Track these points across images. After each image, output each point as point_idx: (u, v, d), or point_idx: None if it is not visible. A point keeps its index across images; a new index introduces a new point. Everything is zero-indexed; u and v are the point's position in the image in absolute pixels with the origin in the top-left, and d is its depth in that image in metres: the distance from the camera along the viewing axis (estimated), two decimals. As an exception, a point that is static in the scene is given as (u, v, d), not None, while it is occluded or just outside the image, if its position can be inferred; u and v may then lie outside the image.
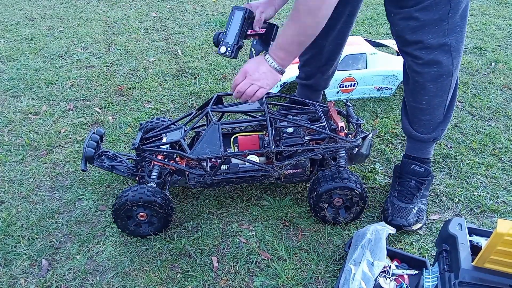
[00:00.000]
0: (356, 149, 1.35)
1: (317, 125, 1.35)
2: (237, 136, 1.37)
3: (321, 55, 1.59)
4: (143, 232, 1.30)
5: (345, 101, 1.47)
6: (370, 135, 1.35)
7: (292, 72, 1.92)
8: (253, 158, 1.30)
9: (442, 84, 1.27)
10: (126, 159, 1.44)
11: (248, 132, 1.45)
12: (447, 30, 1.18)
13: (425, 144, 1.39)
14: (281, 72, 1.22)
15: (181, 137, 1.33)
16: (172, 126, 1.44)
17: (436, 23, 1.17)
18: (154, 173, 1.33)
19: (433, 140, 1.38)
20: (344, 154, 1.34)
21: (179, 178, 1.38)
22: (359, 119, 1.35)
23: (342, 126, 1.34)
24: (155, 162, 1.34)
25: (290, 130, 1.35)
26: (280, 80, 1.94)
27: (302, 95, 1.72)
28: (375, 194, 1.48)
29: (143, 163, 1.40)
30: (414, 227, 1.32)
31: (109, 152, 1.42)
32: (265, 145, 1.34)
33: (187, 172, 1.33)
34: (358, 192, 1.27)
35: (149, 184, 1.29)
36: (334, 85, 1.94)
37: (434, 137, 1.37)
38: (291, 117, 1.40)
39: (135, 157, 1.40)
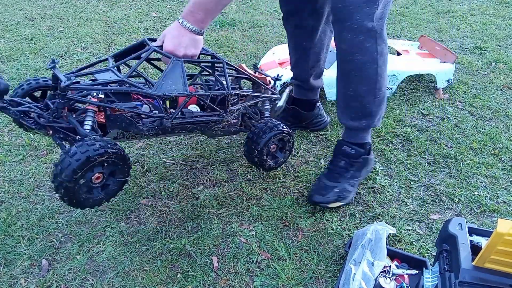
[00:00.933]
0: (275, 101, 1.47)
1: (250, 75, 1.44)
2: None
3: (307, 57, 1.61)
4: (95, 198, 1.06)
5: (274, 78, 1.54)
6: (287, 90, 1.51)
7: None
8: (194, 109, 1.31)
9: (367, 72, 1.26)
10: (33, 105, 1.12)
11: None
12: (375, 14, 1.18)
13: (357, 131, 1.40)
14: (201, 34, 1.20)
15: (125, 77, 1.14)
16: (99, 66, 1.23)
17: (367, 3, 1.16)
18: (87, 122, 1.07)
19: (364, 127, 1.38)
20: (268, 106, 1.46)
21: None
22: (278, 75, 1.50)
23: (269, 80, 1.47)
24: (89, 107, 1.08)
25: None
26: (280, 80, 1.93)
27: (300, 94, 1.74)
28: (375, 194, 1.48)
29: (63, 111, 1.09)
30: (331, 205, 1.33)
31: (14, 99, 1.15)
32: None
33: (139, 118, 1.15)
34: (286, 131, 1.38)
35: (92, 137, 1.02)
36: (335, 85, 1.94)
37: (364, 125, 1.37)
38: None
39: (52, 101, 1.10)
